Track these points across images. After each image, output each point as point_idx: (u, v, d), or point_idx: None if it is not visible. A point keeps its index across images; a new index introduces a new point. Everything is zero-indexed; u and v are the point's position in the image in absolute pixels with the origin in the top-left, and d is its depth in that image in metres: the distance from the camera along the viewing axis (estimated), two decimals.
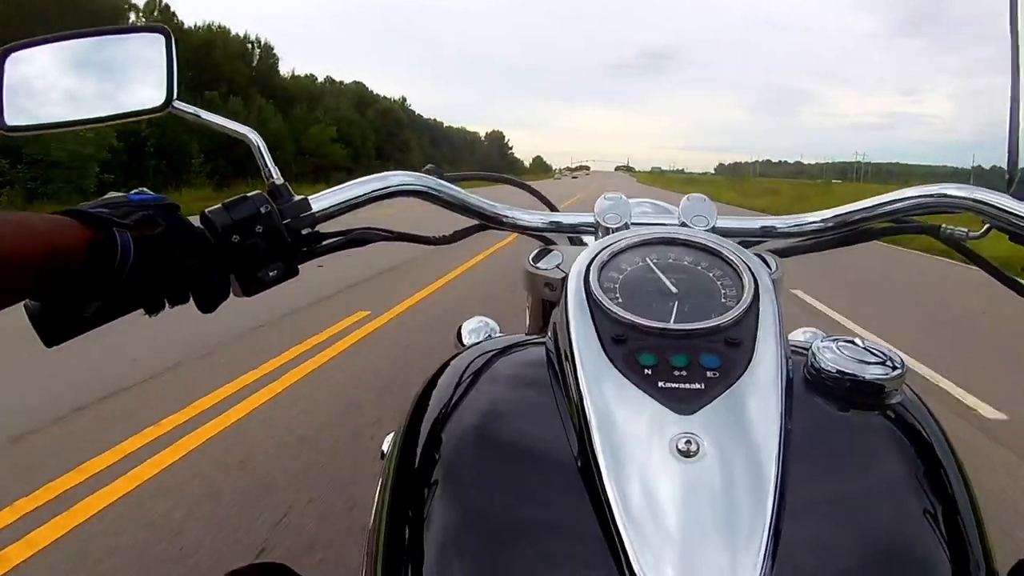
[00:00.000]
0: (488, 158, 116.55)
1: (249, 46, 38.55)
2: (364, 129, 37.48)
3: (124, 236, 0.49)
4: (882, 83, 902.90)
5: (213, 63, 31.83)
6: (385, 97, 56.69)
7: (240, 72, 33.74)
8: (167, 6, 34.10)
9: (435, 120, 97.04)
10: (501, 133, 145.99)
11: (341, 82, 56.96)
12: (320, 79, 55.00)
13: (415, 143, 55.19)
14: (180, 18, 33.97)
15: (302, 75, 48.38)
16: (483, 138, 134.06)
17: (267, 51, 39.16)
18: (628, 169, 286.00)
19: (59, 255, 0.46)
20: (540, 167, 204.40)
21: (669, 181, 76.32)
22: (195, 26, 34.59)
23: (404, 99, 68.42)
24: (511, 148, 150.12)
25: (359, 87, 54.98)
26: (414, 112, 75.96)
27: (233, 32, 38.00)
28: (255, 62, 37.59)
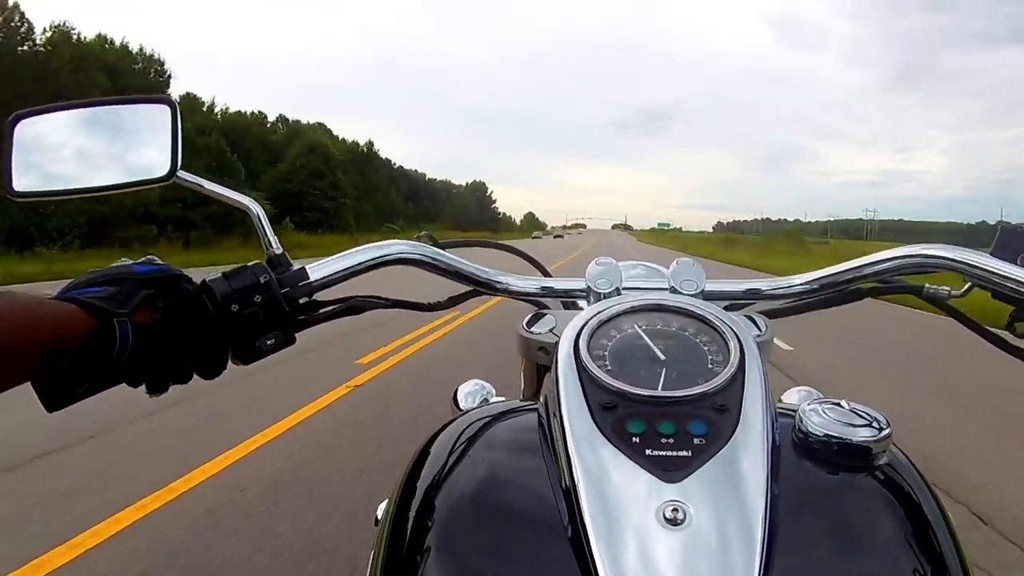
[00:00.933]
0: (465, 211, 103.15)
1: (139, 62, 29.36)
2: (232, 164, 26.72)
3: (123, 326, 0.49)
4: (875, 139, 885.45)
5: (50, 73, 22.46)
6: (341, 137, 46.64)
7: (98, 84, 24.32)
8: (16, 4, 24.97)
9: (415, 171, 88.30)
10: (483, 184, 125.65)
11: (297, 121, 47.98)
12: (271, 119, 46.10)
13: (356, 188, 44.78)
14: (30, 20, 24.88)
15: (246, 112, 39.44)
16: (463, 188, 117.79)
17: (151, 65, 29.77)
18: (626, 227, 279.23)
19: (59, 342, 0.47)
20: (533, 224, 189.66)
21: (687, 244, 55.43)
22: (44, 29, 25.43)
23: (371, 143, 59.60)
24: (495, 201, 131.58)
25: (310, 128, 45.71)
26: (389, 161, 67.24)
27: (119, 43, 28.88)
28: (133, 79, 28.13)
